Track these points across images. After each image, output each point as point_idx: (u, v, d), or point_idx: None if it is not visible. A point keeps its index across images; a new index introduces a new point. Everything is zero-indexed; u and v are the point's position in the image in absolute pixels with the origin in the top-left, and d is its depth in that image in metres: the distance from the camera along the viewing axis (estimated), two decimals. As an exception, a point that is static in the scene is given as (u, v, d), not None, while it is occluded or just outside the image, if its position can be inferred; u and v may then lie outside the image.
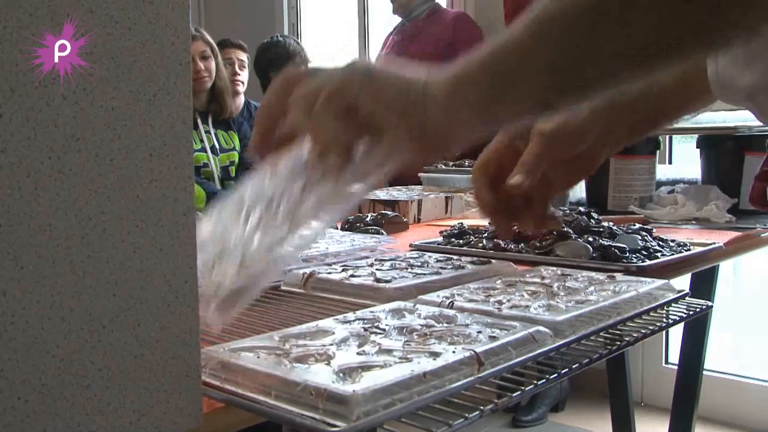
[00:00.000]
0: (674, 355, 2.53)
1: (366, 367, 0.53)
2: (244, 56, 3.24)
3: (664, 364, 2.71)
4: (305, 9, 4.13)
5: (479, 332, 0.61)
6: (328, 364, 0.54)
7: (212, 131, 2.75)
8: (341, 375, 0.51)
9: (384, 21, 3.36)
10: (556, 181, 0.74)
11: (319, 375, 0.51)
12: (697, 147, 1.76)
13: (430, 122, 0.52)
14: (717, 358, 2.48)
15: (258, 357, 0.56)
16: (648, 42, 0.45)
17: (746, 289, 2.90)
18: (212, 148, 2.73)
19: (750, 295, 2.89)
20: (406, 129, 0.53)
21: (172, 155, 0.48)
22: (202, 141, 2.72)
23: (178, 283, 0.49)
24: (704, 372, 1.93)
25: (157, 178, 0.48)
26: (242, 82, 3.19)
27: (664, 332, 2.66)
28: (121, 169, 0.46)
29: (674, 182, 1.76)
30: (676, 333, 2.25)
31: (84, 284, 0.44)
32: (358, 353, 0.56)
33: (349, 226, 1.51)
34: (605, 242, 1.10)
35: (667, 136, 2.32)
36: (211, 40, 2.73)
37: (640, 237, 1.15)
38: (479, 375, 0.55)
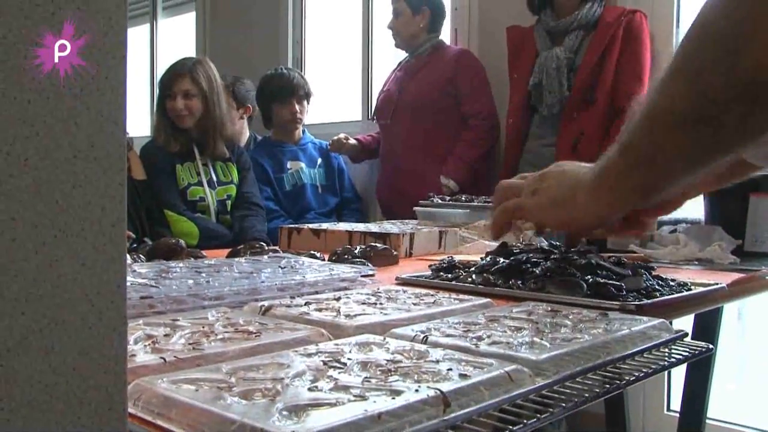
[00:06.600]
0: (677, 402, 2.44)
1: (315, 405, 0.46)
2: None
3: (665, 411, 2.61)
4: (310, 43, 4.13)
5: (449, 369, 0.55)
6: (273, 400, 0.47)
7: (209, 163, 2.71)
8: (285, 413, 0.45)
9: (387, 56, 3.34)
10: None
11: (260, 413, 0.45)
12: (701, 187, 1.70)
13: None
14: (720, 406, 2.38)
15: (197, 390, 0.49)
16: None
17: (751, 335, 2.81)
18: (209, 181, 2.68)
19: (755, 341, 2.80)
20: None
21: (101, 158, 0.43)
22: (198, 174, 2.67)
23: (102, 303, 0.43)
24: (707, 420, 1.85)
25: (81, 183, 0.42)
26: None
27: (666, 377, 2.58)
28: (37, 170, 0.41)
29: (677, 222, 1.70)
30: (679, 379, 2.16)
31: (-17, 299, 0.38)
32: (309, 389, 0.50)
33: (337, 257, 1.45)
34: (601, 279, 1.03)
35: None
36: (202, 80, 2.62)
37: (644, 278, 1.09)
38: (444, 417, 0.48)
